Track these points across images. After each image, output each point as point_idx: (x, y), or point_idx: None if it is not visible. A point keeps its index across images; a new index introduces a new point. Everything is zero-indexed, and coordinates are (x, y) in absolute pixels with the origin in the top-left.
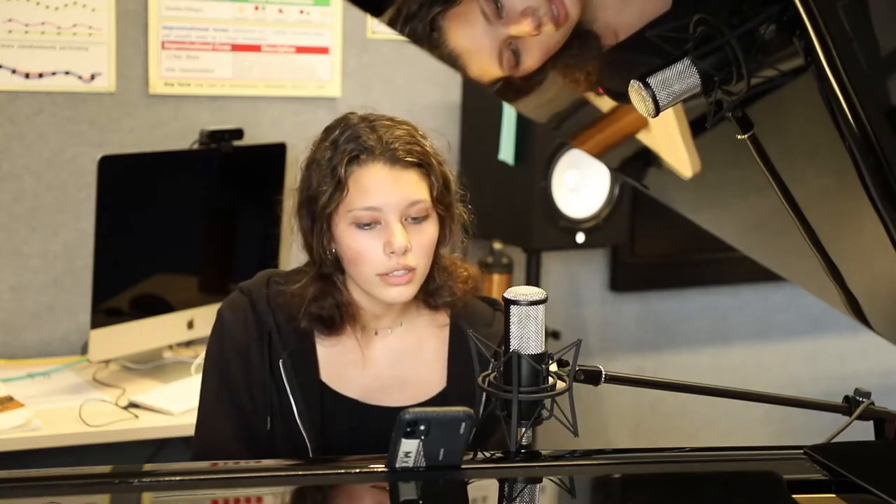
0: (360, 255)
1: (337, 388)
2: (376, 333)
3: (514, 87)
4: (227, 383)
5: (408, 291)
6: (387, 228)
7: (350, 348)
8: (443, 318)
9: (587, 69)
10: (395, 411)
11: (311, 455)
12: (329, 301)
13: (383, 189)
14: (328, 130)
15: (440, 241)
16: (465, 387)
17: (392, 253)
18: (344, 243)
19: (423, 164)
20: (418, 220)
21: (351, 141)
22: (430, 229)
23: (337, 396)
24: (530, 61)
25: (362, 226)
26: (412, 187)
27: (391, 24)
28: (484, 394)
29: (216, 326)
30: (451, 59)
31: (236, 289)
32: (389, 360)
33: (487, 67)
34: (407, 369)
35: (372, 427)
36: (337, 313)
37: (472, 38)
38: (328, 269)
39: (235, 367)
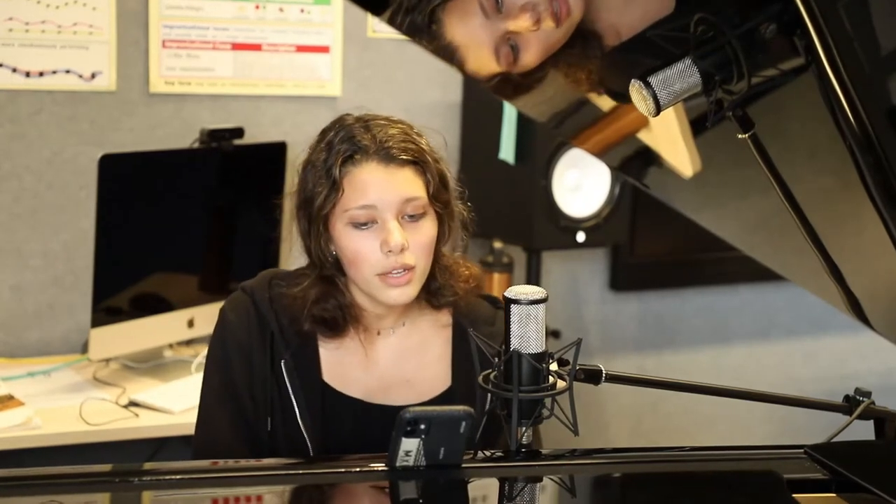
0: (357, 256)
1: (340, 389)
2: (379, 333)
3: (511, 83)
4: (229, 384)
5: (408, 292)
6: (383, 227)
7: (353, 349)
8: (445, 318)
9: (589, 69)
10: (399, 410)
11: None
12: (331, 303)
13: (378, 187)
14: (324, 132)
15: (439, 238)
16: (470, 385)
17: (389, 251)
18: (341, 244)
19: (419, 161)
20: (415, 217)
21: (345, 141)
22: (428, 227)
23: (340, 396)
24: (528, 58)
25: (359, 225)
26: (407, 184)
27: (392, 18)
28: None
29: (219, 326)
30: (449, 53)
31: (238, 288)
32: (393, 360)
33: (485, 62)
34: (410, 368)
35: (375, 427)
36: (340, 315)
37: (470, 31)
38: (329, 272)
39: (238, 368)
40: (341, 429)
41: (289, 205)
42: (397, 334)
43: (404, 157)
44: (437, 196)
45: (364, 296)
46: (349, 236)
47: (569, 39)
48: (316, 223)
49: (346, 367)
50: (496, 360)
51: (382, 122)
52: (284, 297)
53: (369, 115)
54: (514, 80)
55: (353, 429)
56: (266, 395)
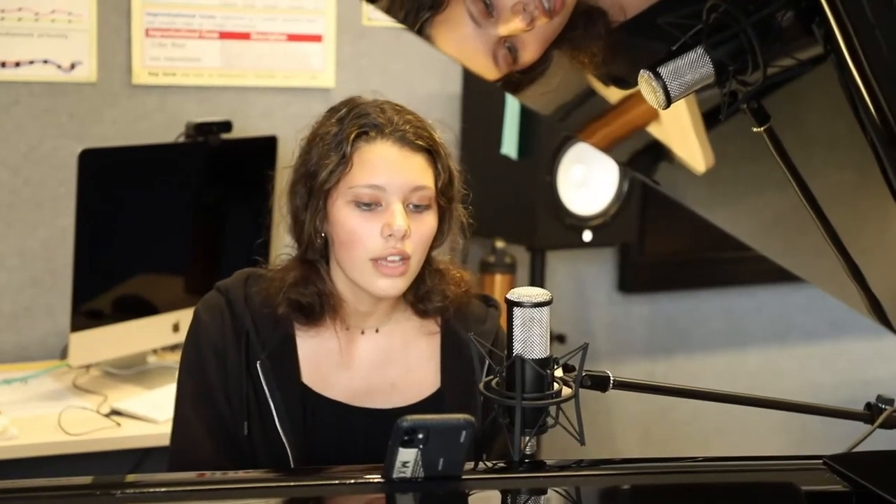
0: (354, 237)
1: (320, 391)
2: (363, 332)
3: (514, 81)
4: (205, 390)
5: (398, 284)
6: (387, 210)
7: (333, 348)
8: (433, 326)
9: (592, 50)
10: (383, 414)
11: (291, 461)
12: (310, 289)
13: (389, 168)
14: (333, 110)
15: (436, 237)
16: (461, 387)
17: (390, 236)
18: (339, 222)
19: (432, 150)
20: (420, 208)
21: (360, 117)
22: (430, 220)
23: (320, 399)
24: (528, 56)
25: (361, 205)
26: (418, 172)
27: (387, 11)
28: (483, 397)
29: (192, 328)
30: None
31: (214, 288)
32: (376, 361)
33: (484, 68)
34: (395, 370)
35: (359, 431)
36: (317, 302)
37: (463, 41)
38: (313, 256)
39: (212, 371)
40: (322, 433)
41: (279, 198)
42: (381, 333)
43: (420, 142)
44: (445, 191)
45: (348, 286)
46: (349, 215)
47: (571, 20)
48: (316, 198)
49: (326, 368)
50: (487, 361)
51: (397, 107)
52: (262, 279)
53: (382, 100)
54: (516, 77)
55: (335, 433)
56: (241, 398)
